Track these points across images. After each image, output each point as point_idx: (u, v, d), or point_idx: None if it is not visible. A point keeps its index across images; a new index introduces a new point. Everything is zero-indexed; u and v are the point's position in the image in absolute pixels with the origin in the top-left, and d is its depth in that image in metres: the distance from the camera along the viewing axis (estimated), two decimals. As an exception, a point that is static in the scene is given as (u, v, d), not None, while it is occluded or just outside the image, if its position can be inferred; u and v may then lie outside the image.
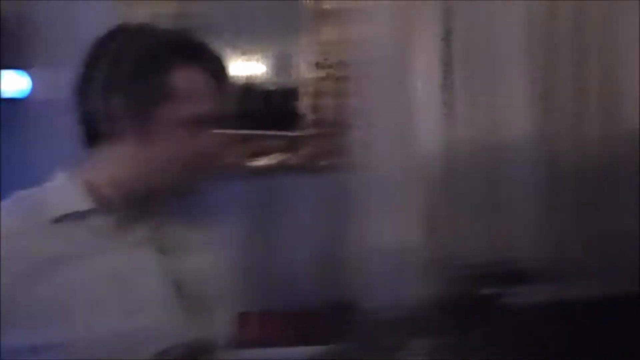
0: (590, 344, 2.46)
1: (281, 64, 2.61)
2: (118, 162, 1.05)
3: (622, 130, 2.67)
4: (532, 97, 2.56)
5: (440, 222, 2.59)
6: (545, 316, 2.58)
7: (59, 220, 1.01)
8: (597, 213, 2.66)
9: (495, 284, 2.40)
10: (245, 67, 2.57)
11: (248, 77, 2.56)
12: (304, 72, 2.57)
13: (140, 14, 2.30)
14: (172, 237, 1.08)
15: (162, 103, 1.03)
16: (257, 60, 2.59)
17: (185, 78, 1.04)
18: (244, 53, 2.55)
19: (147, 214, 1.06)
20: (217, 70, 1.08)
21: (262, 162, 2.55)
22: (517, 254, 2.53)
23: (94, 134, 1.06)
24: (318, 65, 2.56)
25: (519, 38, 2.57)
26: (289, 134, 2.56)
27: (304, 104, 2.57)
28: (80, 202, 1.03)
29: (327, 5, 2.57)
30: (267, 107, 2.58)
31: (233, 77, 1.29)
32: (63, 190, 1.05)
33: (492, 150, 2.57)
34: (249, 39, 2.56)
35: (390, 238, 2.50)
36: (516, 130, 2.58)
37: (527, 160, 2.60)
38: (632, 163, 2.66)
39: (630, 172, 2.66)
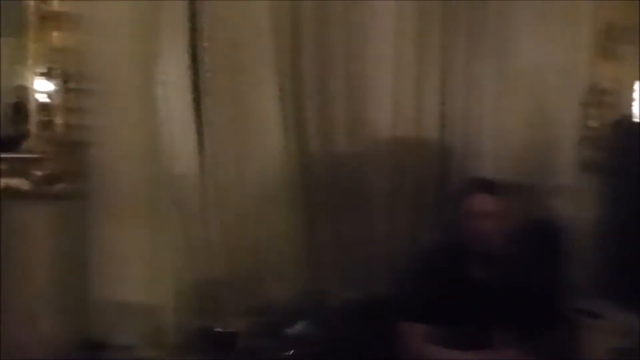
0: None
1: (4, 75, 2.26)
2: None
3: (370, 135, 2.72)
4: (281, 113, 2.51)
5: (198, 243, 2.45)
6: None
7: None
8: (351, 220, 2.70)
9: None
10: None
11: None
12: (31, 83, 2.24)
13: None
14: None
15: None
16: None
17: None
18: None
19: None
20: None
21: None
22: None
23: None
24: (48, 76, 2.25)
25: (267, 42, 2.49)
26: (16, 155, 2.23)
27: (32, 121, 2.25)
28: None
29: (56, 8, 2.26)
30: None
31: None
32: None
33: (241, 164, 2.47)
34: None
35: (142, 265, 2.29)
36: (270, 145, 2.51)
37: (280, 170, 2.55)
38: (381, 168, 2.73)
39: (380, 176, 2.74)
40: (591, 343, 2.81)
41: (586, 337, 2.84)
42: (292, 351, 2.45)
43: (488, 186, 2.40)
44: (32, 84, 2.24)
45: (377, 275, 2.73)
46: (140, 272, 2.28)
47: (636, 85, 3.21)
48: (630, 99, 3.26)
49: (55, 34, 2.25)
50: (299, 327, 2.53)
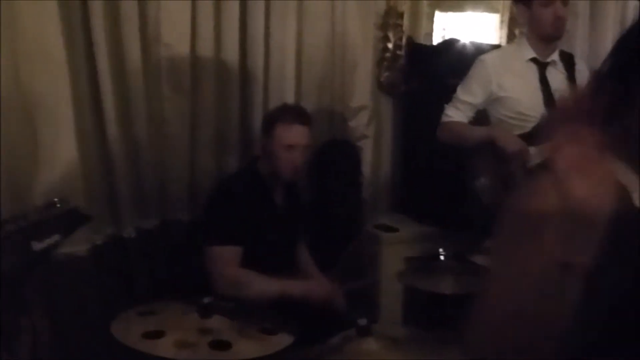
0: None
1: None
2: None
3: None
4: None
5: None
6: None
7: None
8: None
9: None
10: None
11: None
12: None
13: None
14: None
15: None
16: None
17: None
18: None
19: None
20: None
21: None
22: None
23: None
24: None
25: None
26: None
27: None
28: None
29: None
30: None
31: None
32: None
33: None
34: None
35: None
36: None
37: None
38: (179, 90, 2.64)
39: (179, 99, 2.64)
40: (388, 254, 3.01)
41: (384, 249, 3.04)
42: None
43: (300, 116, 2.38)
44: None
45: (180, 202, 2.69)
46: None
47: (426, 9, 3.37)
48: (424, 23, 3.41)
49: None
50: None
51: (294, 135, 2.34)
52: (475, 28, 3.42)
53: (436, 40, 3.39)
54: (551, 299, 0.75)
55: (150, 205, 2.63)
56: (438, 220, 3.02)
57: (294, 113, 2.41)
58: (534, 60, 2.62)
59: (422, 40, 3.36)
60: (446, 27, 3.45)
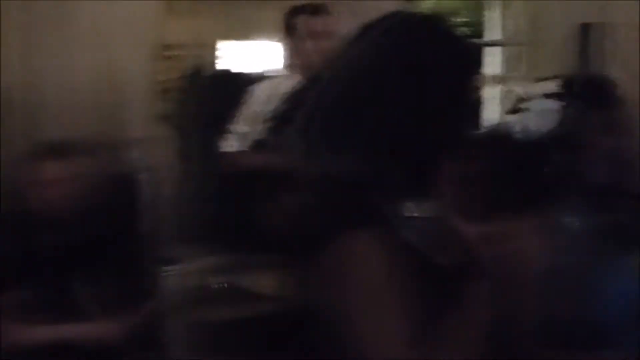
0: None
1: None
2: None
3: None
4: None
5: None
6: None
7: None
8: None
9: None
10: None
11: None
12: None
13: None
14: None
15: None
16: None
17: None
18: None
19: None
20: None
21: None
22: None
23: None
24: None
25: None
26: None
27: None
28: None
29: None
30: None
31: None
32: None
33: None
34: None
35: None
36: None
37: None
38: None
39: None
40: (172, 286, 2.95)
41: (167, 282, 2.97)
42: None
43: (55, 150, 2.27)
44: None
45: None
46: None
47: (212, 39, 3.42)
48: (201, 53, 3.46)
49: None
50: None
51: (48, 169, 2.24)
52: (262, 57, 3.52)
53: (216, 70, 3.45)
54: None
55: None
56: (223, 248, 3.03)
57: (48, 147, 2.31)
58: (301, 89, 2.75)
59: (202, 70, 3.39)
60: (232, 56, 3.52)
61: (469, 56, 0.98)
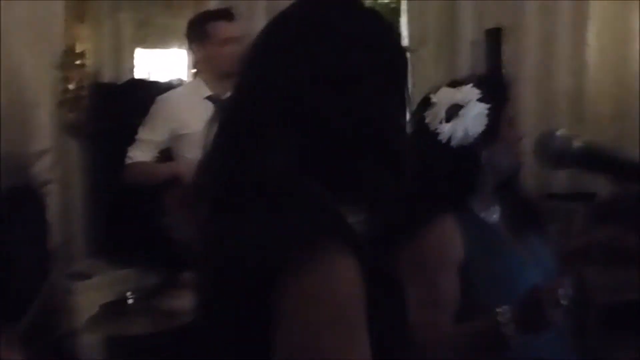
0: None
1: None
2: None
3: None
4: None
5: None
6: None
7: None
8: None
9: None
10: None
11: None
12: None
13: None
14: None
15: None
16: None
17: None
18: None
19: None
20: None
21: None
22: None
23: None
24: None
25: None
26: None
27: None
28: None
29: None
30: None
31: None
32: None
33: None
34: None
35: None
36: None
37: None
38: None
39: None
40: (82, 302, 2.87)
41: (78, 298, 2.89)
42: None
43: None
44: None
45: None
46: None
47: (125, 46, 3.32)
48: (107, 61, 3.36)
49: None
50: None
51: None
52: (174, 65, 3.46)
53: (124, 78, 3.36)
54: None
55: None
56: (133, 262, 2.97)
57: None
58: (210, 98, 2.72)
59: (109, 79, 3.30)
60: (145, 64, 3.44)
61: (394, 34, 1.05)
